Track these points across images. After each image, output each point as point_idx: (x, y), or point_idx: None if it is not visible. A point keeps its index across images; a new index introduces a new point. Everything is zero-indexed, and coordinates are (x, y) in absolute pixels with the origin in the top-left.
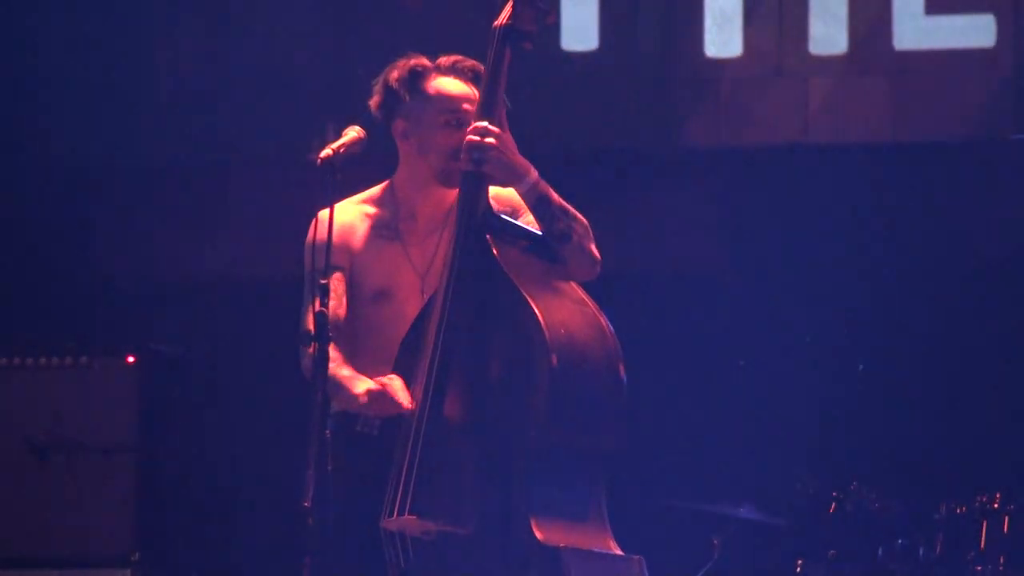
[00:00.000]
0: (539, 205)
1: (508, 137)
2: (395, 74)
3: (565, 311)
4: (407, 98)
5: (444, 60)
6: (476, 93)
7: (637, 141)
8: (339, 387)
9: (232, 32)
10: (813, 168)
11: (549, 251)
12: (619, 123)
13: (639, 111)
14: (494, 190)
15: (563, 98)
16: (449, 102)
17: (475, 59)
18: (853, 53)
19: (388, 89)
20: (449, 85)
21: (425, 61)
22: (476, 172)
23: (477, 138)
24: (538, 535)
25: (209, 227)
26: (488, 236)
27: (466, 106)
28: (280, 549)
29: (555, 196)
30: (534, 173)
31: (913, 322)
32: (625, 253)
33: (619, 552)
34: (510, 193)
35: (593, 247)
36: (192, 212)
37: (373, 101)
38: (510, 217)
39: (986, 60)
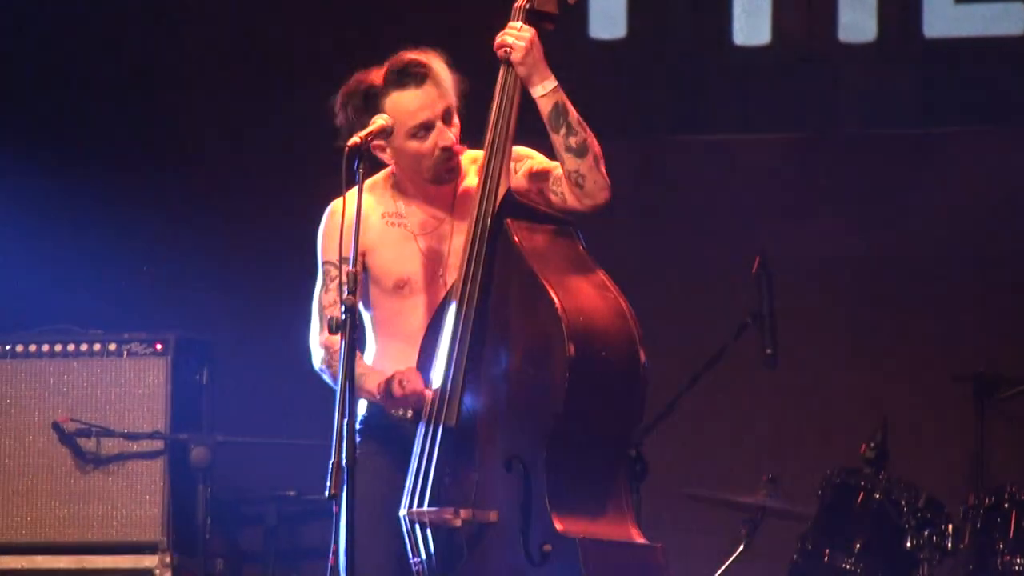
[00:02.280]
0: (556, 113)
1: (539, 44)
2: (351, 103)
3: (585, 297)
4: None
5: (391, 71)
6: (431, 91)
7: (665, 129)
8: (355, 383)
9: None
10: (841, 156)
11: (570, 233)
12: (647, 111)
13: (667, 99)
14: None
15: (590, 86)
16: (409, 117)
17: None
18: (882, 40)
19: (349, 119)
20: (403, 100)
21: (374, 79)
22: (504, 60)
23: (511, 30)
24: (557, 525)
25: (237, 213)
26: (508, 221)
27: (425, 113)
28: (307, 535)
29: (573, 109)
30: (555, 81)
31: (946, 312)
32: (652, 240)
33: (641, 540)
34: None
35: (605, 170)
36: (216, 198)
37: (338, 121)
38: (518, 166)
39: (1016, 48)
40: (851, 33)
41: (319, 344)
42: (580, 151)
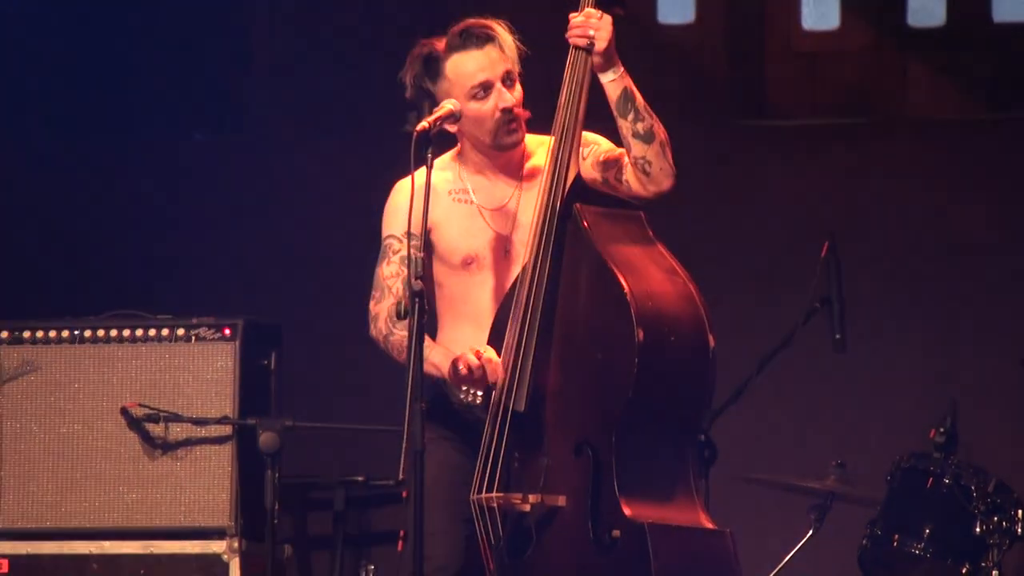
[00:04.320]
0: (624, 98)
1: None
2: (413, 71)
3: (654, 282)
4: (432, 87)
5: (453, 34)
6: (492, 53)
7: (733, 114)
8: (428, 364)
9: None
10: (910, 142)
11: (639, 218)
12: (715, 96)
13: (735, 84)
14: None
15: (659, 71)
16: (468, 78)
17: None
18: (951, 25)
19: (413, 86)
20: (464, 61)
21: (435, 45)
22: (585, 49)
23: (592, 17)
24: (626, 511)
25: (307, 197)
26: (577, 206)
27: (484, 74)
28: (375, 521)
29: (639, 94)
30: (622, 67)
31: (1015, 295)
32: (721, 225)
33: (710, 526)
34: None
35: (671, 157)
36: (287, 183)
37: (407, 95)
38: (586, 152)
39: None
40: (920, 17)
41: (371, 312)
42: (647, 137)
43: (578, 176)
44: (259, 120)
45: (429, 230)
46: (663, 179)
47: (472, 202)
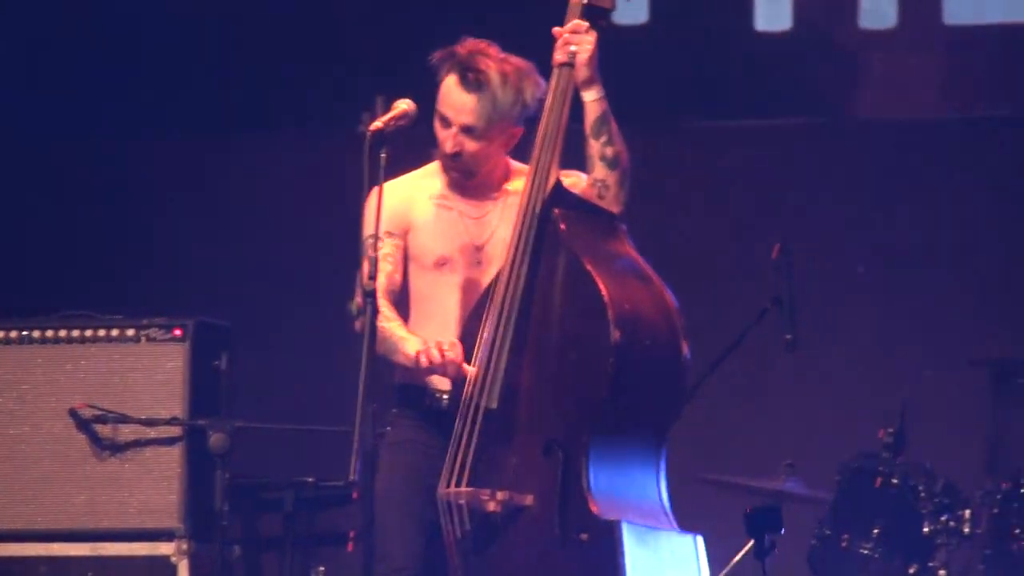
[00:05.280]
0: (601, 120)
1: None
2: (434, 56)
3: (630, 287)
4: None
5: (462, 58)
6: (471, 103)
7: (686, 113)
8: (395, 347)
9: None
10: (858, 143)
11: (616, 225)
12: (667, 97)
13: (687, 85)
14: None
15: (612, 72)
16: (440, 102)
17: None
18: (903, 27)
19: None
20: (447, 87)
21: (453, 50)
22: (568, 64)
23: (577, 32)
24: (594, 509)
25: (257, 198)
26: (556, 211)
27: (448, 112)
28: (325, 522)
29: (615, 121)
30: (603, 89)
31: (964, 297)
32: (673, 226)
33: (678, 529)
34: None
35: (627, 187)
36: (238, 183)
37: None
38: (569, 183)
39: None
40: (872, 19)
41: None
42: (613, 162)
43: (558, 182)
44: (207, 122)
45: (405, 231)
46: (613, 205)
47: (451, 208)
